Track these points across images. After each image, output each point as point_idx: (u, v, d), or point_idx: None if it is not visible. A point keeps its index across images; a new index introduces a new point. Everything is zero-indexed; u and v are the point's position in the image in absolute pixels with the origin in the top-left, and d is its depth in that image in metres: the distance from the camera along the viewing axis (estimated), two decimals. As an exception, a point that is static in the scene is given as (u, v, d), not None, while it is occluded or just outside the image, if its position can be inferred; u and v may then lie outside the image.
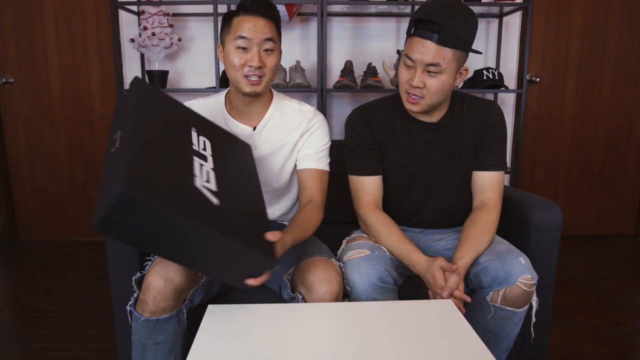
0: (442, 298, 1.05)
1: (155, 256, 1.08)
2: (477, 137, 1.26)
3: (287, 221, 1.40)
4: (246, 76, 1.17)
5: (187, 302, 1.08)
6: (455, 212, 1.32)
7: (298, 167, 1.30)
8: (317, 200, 1.24)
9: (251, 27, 1.15)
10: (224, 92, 1.32)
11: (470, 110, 1.26)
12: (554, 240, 1.30)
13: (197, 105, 1.28)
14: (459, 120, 1.26)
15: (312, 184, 1.26)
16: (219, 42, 1.25)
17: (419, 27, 1.11)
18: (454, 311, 0.95)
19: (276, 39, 1.20)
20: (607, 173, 2.87)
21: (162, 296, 1.00)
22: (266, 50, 1.17)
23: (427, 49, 1.10)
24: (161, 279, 1.00)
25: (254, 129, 1.27)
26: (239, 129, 1.27)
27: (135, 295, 1.06)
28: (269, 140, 1.27)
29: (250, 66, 1.16)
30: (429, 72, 1.12)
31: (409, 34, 1.15)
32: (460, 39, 1.10)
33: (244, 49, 1.16)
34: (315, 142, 1.28)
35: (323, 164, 1.29)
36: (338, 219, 1.71)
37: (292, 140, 1.28)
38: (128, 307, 1.06)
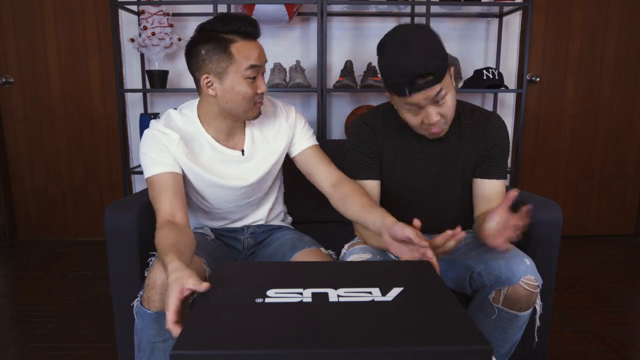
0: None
1: None
2: (480, 151, 1.25)
3: (275, 220, 1.41)
4: (255, 103, 1.15)
5: (195, 295, 1.07)
6: (457, 224, 1.31)
7: (297, 155, 1.30)
8: (343, 175, 1.25)
9: (259, 53, 1.12)
10: (194, 107, 1.23)
11: (471, 123, 1.25)
12: (554, 240, 1.30)
13: (174, 129, 1.18)
14: (460, 133, 1.25)
15: (324, 163, 1.27)
16: (206, 73, 1.11)
17: (415, 84, 1.04)
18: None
19: None
20: (607, 173, 2.87)
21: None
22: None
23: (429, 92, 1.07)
24: (164, 274, 0.98)
25: (242, 152, 1.24)
26: (228, 155, 1.23)
27: (141, 292, 1.05)
28: (262, 164, 1.26)
29: (261, 93, 1.14)
30: (438, 102, 1.09)
31: (403, 94, 1.07)
32: (445, 63, 1.06)
33: (253, 78, 1.12)
34: (303, 131, 1.30)
35: (314, 139, 1.32)
36: (335, 218, 1.71)
37: (279, 150, 1.28)
38: (135, 303, 1.05)
